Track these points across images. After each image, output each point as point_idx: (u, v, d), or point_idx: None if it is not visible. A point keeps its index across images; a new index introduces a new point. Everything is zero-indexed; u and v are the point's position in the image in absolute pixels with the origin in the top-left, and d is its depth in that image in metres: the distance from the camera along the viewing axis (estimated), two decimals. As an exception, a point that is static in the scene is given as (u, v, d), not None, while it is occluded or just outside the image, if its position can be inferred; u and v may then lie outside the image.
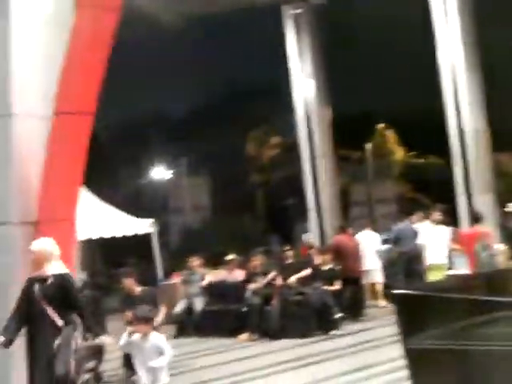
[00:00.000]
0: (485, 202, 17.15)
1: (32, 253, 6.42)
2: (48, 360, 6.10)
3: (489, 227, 12.97)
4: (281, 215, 32.71)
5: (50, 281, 6.29)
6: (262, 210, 34.83)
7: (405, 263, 14.02)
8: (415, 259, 13.73)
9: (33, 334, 6.28)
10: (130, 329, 6.29)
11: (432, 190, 31.84)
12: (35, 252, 6.41)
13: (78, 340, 6.17)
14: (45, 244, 6.50)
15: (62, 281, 6.32)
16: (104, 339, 6.40)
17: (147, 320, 6.24)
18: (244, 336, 11.86)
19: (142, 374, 6.17)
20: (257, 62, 34.02)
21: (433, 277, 11.74)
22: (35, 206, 8.29)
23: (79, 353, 6.14)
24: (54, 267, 6.36)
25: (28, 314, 6.29)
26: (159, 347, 6.15)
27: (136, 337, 6.22)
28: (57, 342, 6.09)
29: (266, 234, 28.24)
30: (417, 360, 5.00)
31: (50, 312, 6.18)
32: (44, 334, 6.18)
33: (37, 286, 6.29)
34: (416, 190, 32.94)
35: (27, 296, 6.32)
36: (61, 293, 6.26)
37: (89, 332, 6.28)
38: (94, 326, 6.44)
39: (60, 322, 6.16)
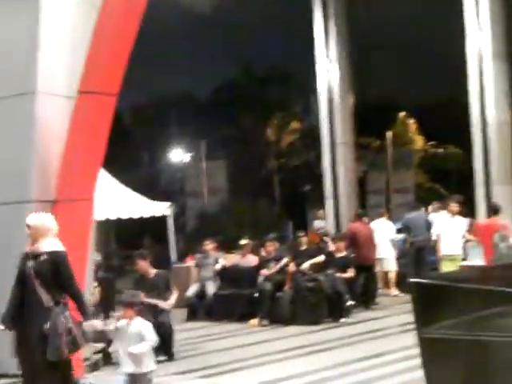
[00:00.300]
0: (504, 193, 16.99)
1: (28, 227, 6.14)
2: (37, 342, 5.86)
3: (507, 219, 12.84)
4: (297, 201, 32.66)
5: (43, 257, 6.03)
6: (279, 195, 34.79)
7: (415, 253, 13.96)
8: (426, 249, 13.66)
9: (23, 312, 6.04)
10: (116, 314, 6.25)
11: (450, 181, 31.66)
12: (31, 226, 6.11)
13: (69, 320, 5.93)
14: (42, 219, 6.19)
15: (56, 258, 6.03)
16: (95, 323, 6.25)
17: (132, 305, 6.20)
18: (254, 321, 11.85)
19: (123, 360, 6.10)
20: (281, 46, 33.91)
21: (446, 268, 11.66)
22: (55, 184, 8.30)
23: (70, 333, 5.89)
24: (50, 244, 6.08)
25: (22, 292, 6.08)
26: (141, 333, 6.08)
27: (122, 322, 6.19)
28: (47, 325, 5.84)
29: (281, 219, 28.22)
30: (431, 349, 4.96)
31: (40, 290, 5.94)
32: (34, 313, 5.96)
33: (30, 263, 6.05)
34: (434, 180, 32.73)
35: (21, 273, 6.10)
36: (52, 270, 5.99)
37: (83, 315, 6.06)
38: (87, 309, 6.20)
39: (49, 302, 5.93)
